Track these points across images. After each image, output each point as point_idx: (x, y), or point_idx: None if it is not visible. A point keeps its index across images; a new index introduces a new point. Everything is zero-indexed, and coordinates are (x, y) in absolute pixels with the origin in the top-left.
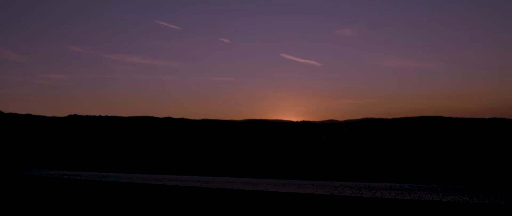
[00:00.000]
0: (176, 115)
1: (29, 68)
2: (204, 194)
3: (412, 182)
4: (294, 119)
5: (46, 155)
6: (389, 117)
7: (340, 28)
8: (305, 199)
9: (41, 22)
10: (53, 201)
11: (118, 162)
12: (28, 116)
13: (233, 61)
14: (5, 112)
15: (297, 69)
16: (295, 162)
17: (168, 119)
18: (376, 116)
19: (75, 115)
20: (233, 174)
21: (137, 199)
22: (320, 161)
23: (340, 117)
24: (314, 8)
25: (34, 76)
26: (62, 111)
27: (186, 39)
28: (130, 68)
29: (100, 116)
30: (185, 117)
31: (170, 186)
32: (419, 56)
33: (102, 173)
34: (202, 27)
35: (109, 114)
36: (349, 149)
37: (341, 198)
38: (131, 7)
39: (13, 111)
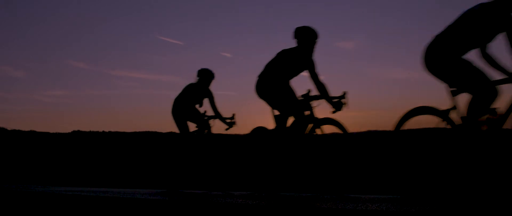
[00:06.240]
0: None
1: (32, 85)
2: (207, 209)
3: (418, 194)
4: None
5: (50, 171)
6: (393, 129)
7: (342, 40)
8: (309, 213)
9: (43, 38)
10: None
11: (122, 177)
12: (32, 132)
13: (234, 75)
14: (9, 129)
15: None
16: (299, 174)
17: (171, 134)
18: (380, 129)
19: (79, 131)
20: (237, 188)
21: (139, 215)
22: (325, 174)
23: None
24: (316, 21)
25: (37, 92)
26: (66, 127)
27: (188, 54)
28: (132, 84)
29: (103, 131)
30: None
31: (172, 200)
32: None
33: (106, 189)
34: (203, 42)
35: (113, 130)
36: (354, 161)
37: (346, 211)
38: (133, 22)
39: (17, 128)
